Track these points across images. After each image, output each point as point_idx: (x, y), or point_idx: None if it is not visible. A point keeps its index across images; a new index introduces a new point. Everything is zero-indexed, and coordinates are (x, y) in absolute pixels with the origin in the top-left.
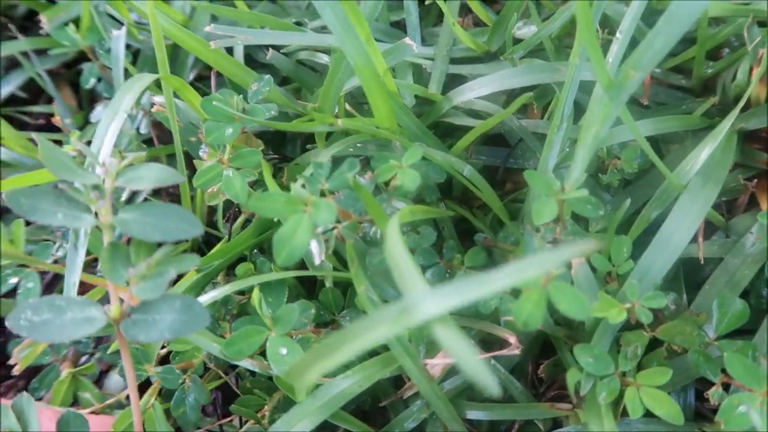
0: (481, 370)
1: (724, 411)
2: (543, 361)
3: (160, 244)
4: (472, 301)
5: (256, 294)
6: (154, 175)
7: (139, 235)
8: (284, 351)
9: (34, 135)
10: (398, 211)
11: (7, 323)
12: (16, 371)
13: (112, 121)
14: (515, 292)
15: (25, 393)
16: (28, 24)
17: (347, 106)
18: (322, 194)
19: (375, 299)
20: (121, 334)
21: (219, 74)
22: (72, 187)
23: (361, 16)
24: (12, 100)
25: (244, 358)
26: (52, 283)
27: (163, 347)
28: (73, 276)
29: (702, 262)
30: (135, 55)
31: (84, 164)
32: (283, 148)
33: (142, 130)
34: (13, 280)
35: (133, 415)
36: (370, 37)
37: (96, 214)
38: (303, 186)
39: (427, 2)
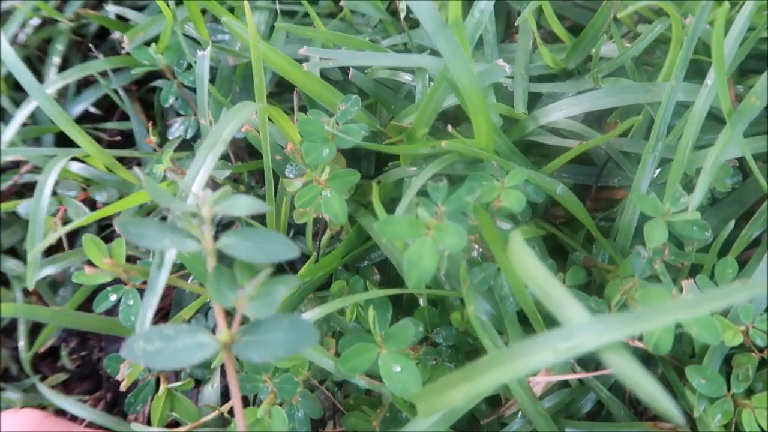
0: (668, 403)
1: None
2: None
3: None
4: (641, 331)
5: (370, 312)
6: (245, 203)
7: (244, 258)
8: (398, 368)
9: (135, 169)
10: (506, 230)
11: (122, 353)
12: (123, 387)
13: (210, 150)
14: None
15: None
16: (99, 42)
17: (450, 128)
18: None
19: (483, 319)
20: (230, 356)
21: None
22: (176, 215)
23: (467, 41)
24: (85, 116)
25: (357, 374)
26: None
27: None
28: (152, 299)
29: None
30: (212, 73)
31: (176, 191)
32: (357, 165)
33: None
34: (113, 297)
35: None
36: (471, 58)
37: (198, 239)
38: (417, 206)
39: (516, 23)
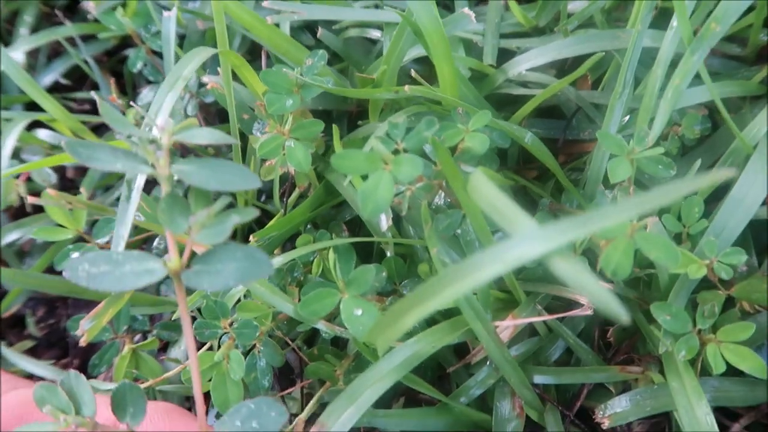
0: (610, 299)
1: None
2: (608, 327)
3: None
4: (587, 234)
5: (331, 256)
6: (207, 134)
7: (198, 184)
8: (359, 312)
9: (93, 93)
10: (469, 173)
11: (64, 274)
12: (82, 342)
13: (171, 88)
14: (587, 254)
15: (72, 371)
16: (69, 14)
17: (413, 73)
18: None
19: (447, 261)
20: (180, 285)
21: (267, 56)
22: (132, 141)
23: None
24: (55, 87)
25: (318, 319)
26: None
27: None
28: (123, 229)
29: None
30: (180, 39)
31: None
32: (330, 127)
33: (189, 113)
34: (75, 255)
35: (192, 372)
36: (435, 5)
37: (153, 165)
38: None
39: None
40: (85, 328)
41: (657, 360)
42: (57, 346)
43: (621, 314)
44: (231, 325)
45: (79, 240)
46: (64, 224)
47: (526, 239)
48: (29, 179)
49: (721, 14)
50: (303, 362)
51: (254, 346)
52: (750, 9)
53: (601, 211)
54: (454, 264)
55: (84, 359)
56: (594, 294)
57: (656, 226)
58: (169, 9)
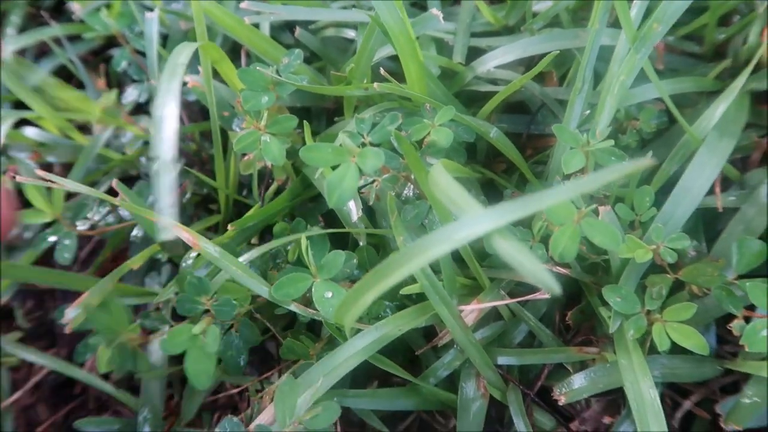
0: (543, 273)
1: (747, 335)
2: (569, 311)
3: None
4: (527, 214)
5: (303, 241)
6: None
7: None
8: (329, 294)
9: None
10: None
11: None
12: (67, 330)
13: (172, 76)
14: (545, 241)
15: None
16: (55, 15)
17: (382, 71)
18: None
19: None
20: None
21: (247, 55)
22: None
23: None
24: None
25: (291, 301)
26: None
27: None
28: None
29: (720, 210)
30: (164, 39)
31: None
32: (309, 122)
33: None
34: (53, 238)
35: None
36: (402, 7)
37: None
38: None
39: None
40: (70, 317)
41: (612, 340)
42: (45, 338)
43: (553, 287)
44: (211, 301)
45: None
46: (40, 205)
47: (473, 220)
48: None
49: (662, 15)
50: (281, 348)
51: (232, 326)
52: (704, 9)
53: (540, 193)
54: (408, 246)
55: (71, 349)
56: (528, 268)
57: (609, 214)
58: (151, 10)
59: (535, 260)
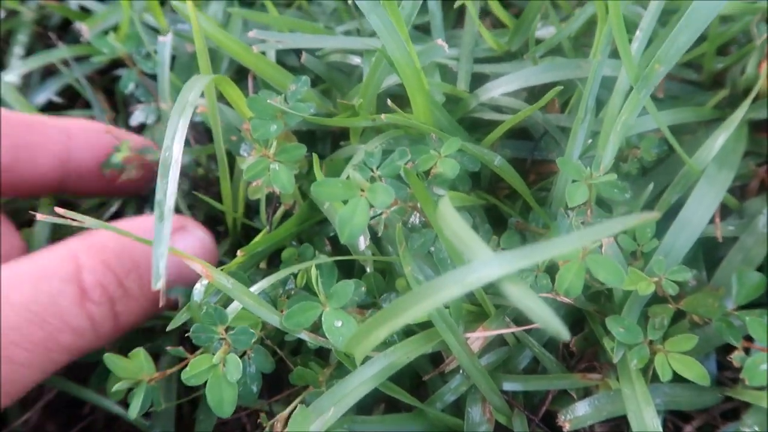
0: (552, 318)
1: (747, 369)
2: (573, 338)
3: None
4: (536, 262)
5: (313, 271)
6: None
7: None
8: (339, 323)
9: None
10: (441, 196)
11: None
12: None
13: (182, 113)
14: (550, 270)
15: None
16: (62, 33)
17: (389, 102)
18: (373, 181)
19: (421, 278)
20: None
21: (253, 77)
22: None
23: (401, 18)
24: (49, 107)
25: (301, 330)
26: None
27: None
28: None
29: (720, 241)
30: (171, 60)
31: None
32: (314, 147)
33: None
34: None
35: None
36: (408, 37)
37: None
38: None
39: (456, 5)
40: None
41: (616, 368)
42: None
43: (562, 332)
44: (227, 331)
45: None
46: None
47: (483, 265)
48: None
49: (663, 56)
50: (290, 372)
51: (245, 353)
52: (704, 38)
53: (549, 242)
54: (425, 282)
55: (78, 367)
56: (537, 314)
57: (612, 246)
58: (159, 31)
59: (544, 306)
